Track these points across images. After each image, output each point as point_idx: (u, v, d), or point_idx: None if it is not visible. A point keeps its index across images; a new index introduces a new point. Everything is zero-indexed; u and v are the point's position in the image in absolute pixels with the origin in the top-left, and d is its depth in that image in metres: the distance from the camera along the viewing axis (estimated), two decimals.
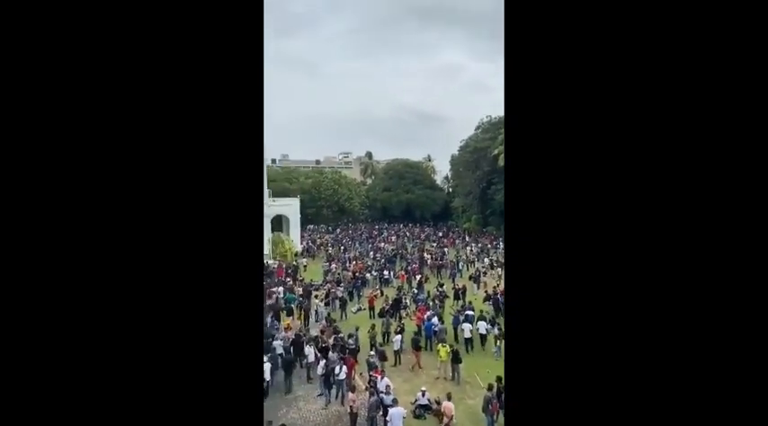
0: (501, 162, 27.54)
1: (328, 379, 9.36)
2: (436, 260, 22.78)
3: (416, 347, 11.05)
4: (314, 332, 12.49)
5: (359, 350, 10.81)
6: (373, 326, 12.17)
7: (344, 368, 9.17)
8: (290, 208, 28.95)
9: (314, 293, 16.39)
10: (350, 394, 8.62)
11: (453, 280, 18.94)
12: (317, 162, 68.78)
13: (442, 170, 49.30)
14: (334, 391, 9.35)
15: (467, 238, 32.48)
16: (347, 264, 22.69)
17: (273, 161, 55.77)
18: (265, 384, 9.03)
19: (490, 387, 8.19)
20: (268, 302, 15.04)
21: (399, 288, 17.39)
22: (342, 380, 9.07)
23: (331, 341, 11.03)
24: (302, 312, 14.30)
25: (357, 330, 11.53)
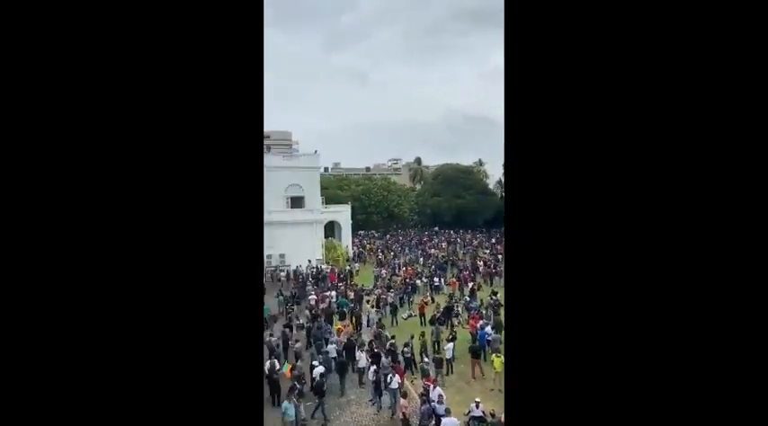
0: None
1: (379, 386, 9.40)
2: (489, 267, 22.07)
3: (475, 355, 10.76)
4: (365, 337, 12.63)
5: (414, 359, 10.74)
6: (423, 334, 12.03)
7: (397, 377, 9.12)
8: (341, 214, 29.71)
9: (365, 298, 16.59)
10: (402, 401, 8.57)
11: None
12: (367, 169, 70.04)
13: (494, 174, 47.92)
14: (386, 397, 9.35)
15: None
16: (397, 270, 22.73)
17: (326, 169, 57.72)
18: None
19: None
20: (321, 306, 15.49)
21: (451, 296, 17.07)
22: (395, 389, 9.03)
23: (387, 346, 11.05)
24: (354, 317, 14.52)
25: (412, 338, 11.45)
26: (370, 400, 9.63)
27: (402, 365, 10.70)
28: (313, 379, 9.59)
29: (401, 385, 9.20)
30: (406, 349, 10.90)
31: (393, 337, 11.59)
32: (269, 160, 25.20)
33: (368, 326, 14.05)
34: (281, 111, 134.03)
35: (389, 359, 10.29)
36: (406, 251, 30.19)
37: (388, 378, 9.10)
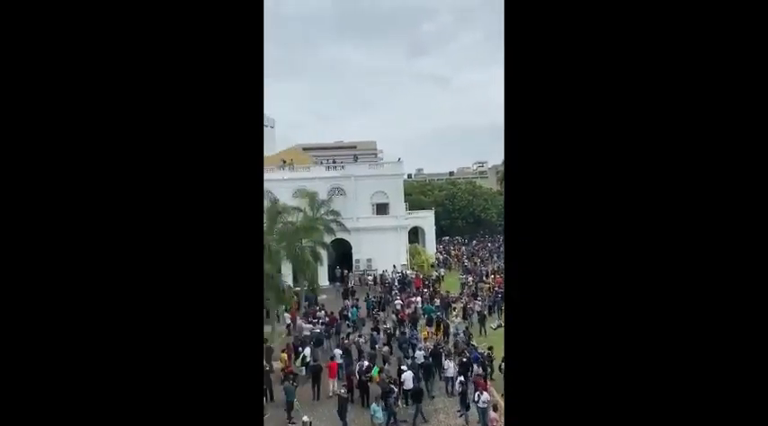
0: None
1: (466, 397, 9.11)
2: None
3: None
4: (452, 345, 12.37)
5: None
6: None
7: (485, 394, 8.70)
8: (425, 220, 29.76)
9: (452, 305, 16.29)
10: (492, 414, 8.18)
11: None
12: (451, 173, 69.04)
13: None
14: (474, 409, 9.03)
15: None
16: (485, 277, 21.88)
17: (409, 176, 58.41)
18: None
19: None
20: (407, 311, 15.62)
21: None
22: (484, 408, 8.63)
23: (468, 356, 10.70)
24: (440, 324, 14.34)
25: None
26: (458, 410, 9.38)
27: (502, 379, 10.19)
28: (401, 383, 9.70)
29: (489, 400, 8.79)
30: (503, 364, 10.40)
31: (491, 348, 11.06)
32: (356, 169, 26.45)
33: (454, 336, 13.75)
34: (366, 122, 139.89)
35: (480, 369, 9.93)
36: (494, 257, 28.90)
37: (476, 396, 8.75)
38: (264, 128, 48.85)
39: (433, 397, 10.00)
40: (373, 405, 8.67)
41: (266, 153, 34.54)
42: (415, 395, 9.21)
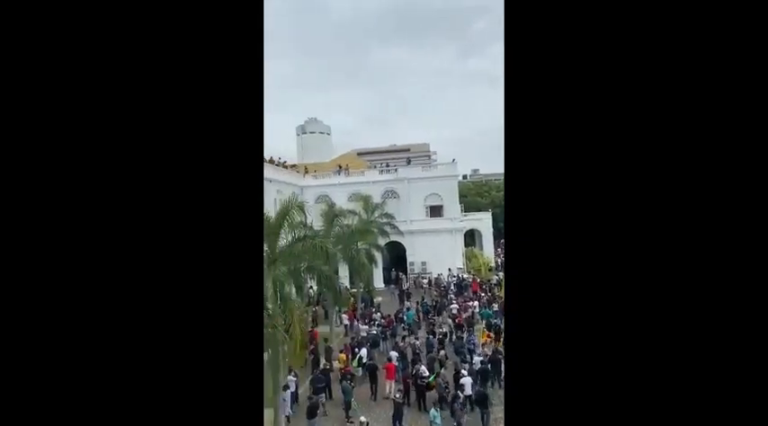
0: None
1: None
2: None
3: None
4: None
5: None
6: None
7: None
8: (481, 222, 28.89)
9: None
10: None
11: None
12: None
13: None
14: None
15: None
16: None
17: (464, 177, 57.13)
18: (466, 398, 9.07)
19: None
20: (464, 315, 15.24)
21: None
22: None
23: None
24: (499, 330, 13.79)
25: None
26: None
27: None
28: (459, 387, 9.46)
29: None
30: None
31: None
32: (408, 172, 26.47)
33: None
34: (420, 124, 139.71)
35: None
36: None
37: None
38: (321, 135, 50.48)
39: (493, 405, 9.61)
40: (432, 411, 8.54)
41: (323, 159, 35.94)
42: (480, 402, 8.93)
